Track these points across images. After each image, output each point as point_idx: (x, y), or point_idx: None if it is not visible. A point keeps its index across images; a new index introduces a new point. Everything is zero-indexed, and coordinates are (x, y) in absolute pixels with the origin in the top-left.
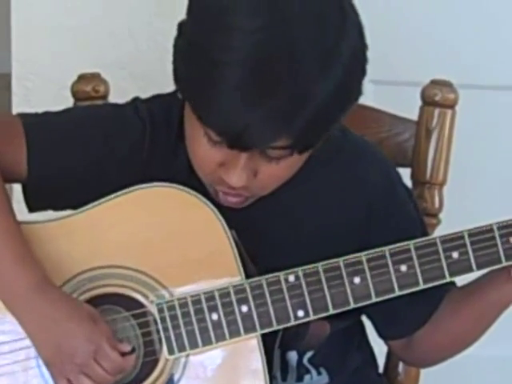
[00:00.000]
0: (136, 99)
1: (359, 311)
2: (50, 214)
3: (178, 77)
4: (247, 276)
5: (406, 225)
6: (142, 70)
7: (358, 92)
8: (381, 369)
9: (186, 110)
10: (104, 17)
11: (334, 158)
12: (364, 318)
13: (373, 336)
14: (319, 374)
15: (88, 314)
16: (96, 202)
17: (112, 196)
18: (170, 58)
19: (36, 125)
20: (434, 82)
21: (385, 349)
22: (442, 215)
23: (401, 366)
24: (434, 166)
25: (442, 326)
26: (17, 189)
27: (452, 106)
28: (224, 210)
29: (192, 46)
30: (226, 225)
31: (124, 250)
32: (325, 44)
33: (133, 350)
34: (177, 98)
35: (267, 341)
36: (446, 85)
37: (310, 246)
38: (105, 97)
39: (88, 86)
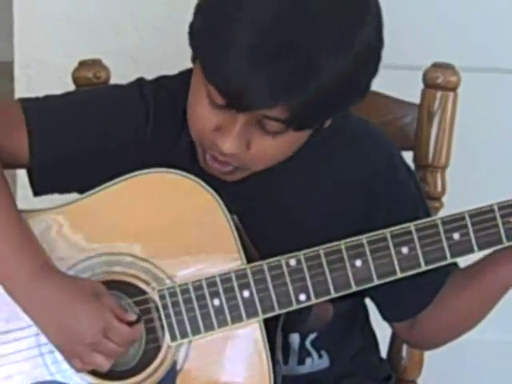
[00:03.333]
0: (140, 80)
1: (362, 293)
2: (55, 197)
3: (193, 32)
4: (249, 261)
5: (408, 205)
6: (144, 56)
7: (366, 88)
8: (384, 353)
9: (194, 74)
10: (105, 4)
11: (334, 140)
12: (367, 302)
13: (376, 320)
14: (320, 357)
15: (91, 290)
16: (96, 189)
17: (111, 182)
18: (172, 43)
19: (36, 109)
20: (435, 65)
21: (388, 333)
22: (444, 198)
23: (404, 350)
24: (436, 149)
25: (446, 307)
26: (21, 175)
27: (454, 89)
28: (226, 196)
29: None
30: (226, 210)
31: (124, 237)
32: (343, 27)
33: (139, 319)
34: (183, 80)
35: (269, 324)
36: (447, 67)
37: (313, 230)
38: (106, 83)
39: (89, 72)
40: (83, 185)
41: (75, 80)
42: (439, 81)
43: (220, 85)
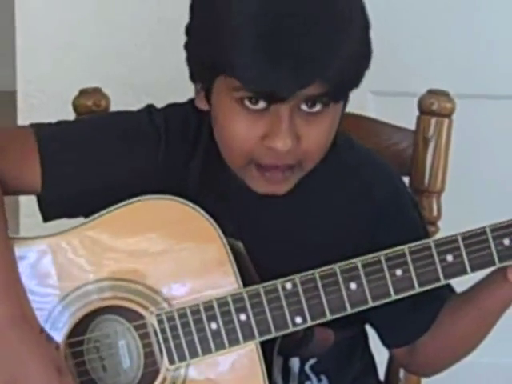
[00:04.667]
0: (150, 106)
1: (363, 320)
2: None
3: (198, 59)
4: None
5: (411, 233)
6: (145, 84)
7: (370, 55)
8: (381, 376)
9: (217, 98)
10: (109, 32)
11: (340, 167)
12: (367, 327)
13: (374, 343)
14: (319, 380)
15: (55, 363)
16: (97, 215)
17: (112, 208)
18: (174, 72)
19: (50, 138)
20: (430, 92)
21: (385, 357)
22: (440, 223)
23: (401, 373)
24: (431, 175)
25: (443, 332)
26: (24, 203)
27: (449, 115)
28: (229, 223)
29: (207, 24)
30: (222, 235)
31: (123, 263)
32: (336, 7)
33: None
34: (192, 107)
35: (266, 347)
36: (442, 94)
37: (318, 255)
38: (106, 111)
39: (89, 101)
40: (94, 211)
41: (75, 108)
42: (434, 107)
43: (256, 85)
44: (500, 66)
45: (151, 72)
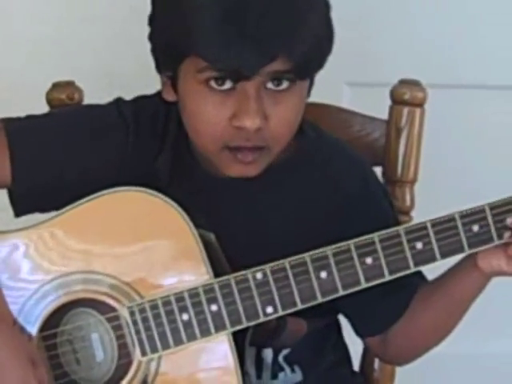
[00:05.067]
0: (119, 99)
1: (335, 310)
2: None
3: (162, 47)
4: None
5: (381, 223)
6: (119, 76)
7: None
8: (356, 367)
9: (182, 83)
10: (79, 24)
11: (310, 158)
12: (340, 317)
13: (349, 334)
14: (293, 371)
15: (28, 355)
16: (66, 208)
17: (83, 200)
18: (147, 63)
19: (19, 132)
20: (402, 82)
21: (361, 347)
22: (413, 213)
23: (376, 362)
24: (404, 165)
25: (415, 320)
26: None
27: (421, 105)
28: (201, 214)
29: (169, 9)
30: (193, 226)
31: (94, 255)
32: None
33: None
34: (161, 99)
35: (238, 338)
36: (414, 84)
37: (288, 246)
38: (79, 104)
39: (62, 94)
40: (66, 204)
41: (49, 102)
42: (406, 97)
43: (220, 62)
44: (471, 55)
45: (124, 64)
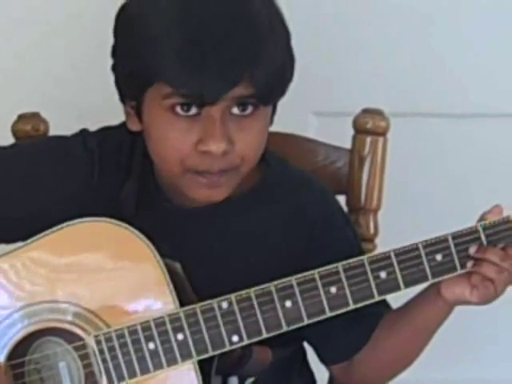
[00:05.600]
0: (83, 131)
1: (300, 338)
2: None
3: (126, 76)
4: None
5: (344, 251)
6: (85, 108)
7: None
8: None
9: (148, 110)
10: (46, 57)
11: (274, 189)
12: (305, 344)
13: (315, 361)
14: None
15: None
16: (31, 239)
17: (49, 231)
18: (113, 94)
19: None
20: (365, 111)
21: (326, 375)
22: (377, 240)
23: None
24: (367, 193)
25: (379, 348)
26: None
27: (383, 134)
28: (166, 244)
29: (131, 39)
30: (159, 256)
31: (62, 285)
32: (256, 13)
33: None
34: (126, 130)
35: (204, 366)
36: (376, 113)
37: (254, 275)
38: (44, 135)
39: (28, 126)
40: (31, 236)
41: (14, 133)
42: (369, 126)
43: (185, 87)
44: (433, 84)
45: (92, 95)
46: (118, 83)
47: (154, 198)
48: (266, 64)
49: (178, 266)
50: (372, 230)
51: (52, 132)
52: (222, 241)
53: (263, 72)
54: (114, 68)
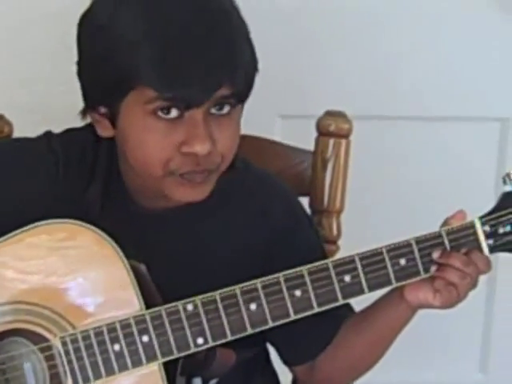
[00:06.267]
0: (48, 133)
1: (263, 339)
2: None
3: (101, 84)
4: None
5: (307, 251)
6: (49, 110)
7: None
8: None
9: (127, 121)
10: (14, 58)
11: (237, 190)
12: (268, 345)
13: (278, 362)
14: None
15: None
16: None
17: (14, 233)
18: (78, 97)
19: None
20: (328, 113)
21: (290, 375)
22: (340, 242)
23: None
24: (330, 195)
25: (342, 350)
26: None
27: (346, 136)
28: (131, 246)
29: (106, 47)
30: (124, 257)
31: (27, 286)
32: (231, 18)
33: None
34: (90, 132)
35: (169, 368)
36: (339, 115)
37: (219, 277)
38: (9, 137)
39: None
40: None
41: None
42: (331, 128)
43: (172, 91)
44: (395, 87)
45: (55, 98)
46: (86, 90)
47: (119, 200)
48: (244, 63)
49: (142, 267)
50: (335, 232)
51: (16, 134)
52: (187, 242)
53: (242, 72)
54: (80, 75)
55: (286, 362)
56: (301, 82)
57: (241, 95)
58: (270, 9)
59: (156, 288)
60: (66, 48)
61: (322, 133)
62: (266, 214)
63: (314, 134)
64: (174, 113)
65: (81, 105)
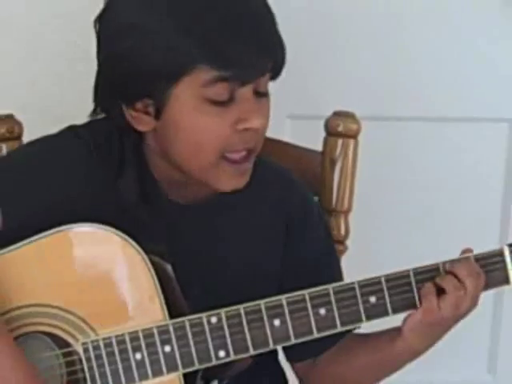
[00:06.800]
0: (71, 126)
1: None
2: None
3: (148, 75)
4: (177, 312)
5: (314, 245)
6: (65, 114)
7: None
8: None
9: (177, 110)
10: (24, 59)
11: (257, 182)
12: None
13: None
14: None
15: (34, 372)
16: (26, 241)
17: (38, 236)
18: (90, 101)
19: None
20: (336, 114)
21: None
22: (348, 241)
23: None
24: (338, 195)
25: (342, 358)
26: None
27: (354, 136)
28: (162, 242)
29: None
30: (151, 266)
31: (53, 289)
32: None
33: None
34: (112, 122)
35: (189, 377)
36: (347, 116)
37: (239, 267)
38: (19, 137)
39: (2, 128)
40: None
41: None
42: (340, 129)
43: (233, 67)
44: (403, 88)
45: (65, 97)
46: (117, 88)
47: (150, 190)
48: (282, 42)
49: (168, 267)
50: (343, 232)
51: (27, 134)
52: (210, 234)
53: (283, 46)
54: (106, 74)
55: (288, 357)
56: (309, 83)
57: (278, 71)
58: (278, 9)
59: (180, 288)
60: (77, 48)
61: (331, 133)
62: (284, 200)
63: (323, 134)
64: (225, 95)
65: (92, 105)
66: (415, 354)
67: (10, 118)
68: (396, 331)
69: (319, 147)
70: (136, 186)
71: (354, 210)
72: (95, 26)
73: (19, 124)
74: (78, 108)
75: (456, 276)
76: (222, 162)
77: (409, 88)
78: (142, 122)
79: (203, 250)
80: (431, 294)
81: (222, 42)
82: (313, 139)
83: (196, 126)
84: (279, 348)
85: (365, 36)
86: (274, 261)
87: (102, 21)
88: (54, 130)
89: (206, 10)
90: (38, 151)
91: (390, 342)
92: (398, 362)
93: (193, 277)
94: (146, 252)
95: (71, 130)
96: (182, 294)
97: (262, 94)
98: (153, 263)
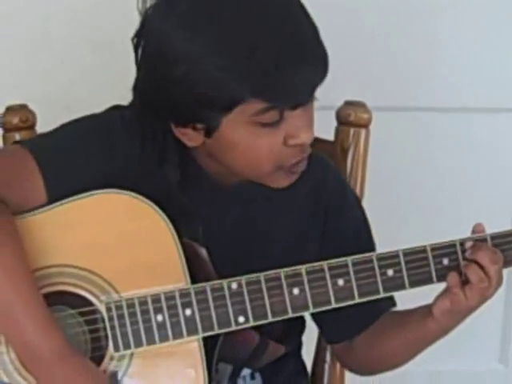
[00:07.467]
0: (117, 106)
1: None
2: None
3: (204, 101)
4: None
5: (352, 231)
6: (77, 104)
7: None
8: None
9: (230, 132)
10: (36, 51)
11: None
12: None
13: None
14: (253, 378)
15: (104, 381)
16: (56, 203)
17: (69, 199)
18: (102, 89)
19: (43, 150)
20: (347, 103)
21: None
22: None
23: (326, 378)
24: (350, 184)
25: (375, 341)
26: None
27: (366, 126)
28: (196, 227)
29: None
30: (175, 235)
31: (79, 251)
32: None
33: None
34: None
35: (207, 353)
36: (359, 105)
37: (279, 252)
38: (33, 127)
39: (16, 118)
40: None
41: (3, 125)
42: (351, 118)
43: (285, 100)
44: (415, 78)
45: (77, 88)
46: (167, 110)
47: (195, 178)
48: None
49: (203, 250)
50: None
51: (40, 124)
52: (247, 224)
53: (327, 65)
54: (158, 97)
55: (326, 339)
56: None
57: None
58: None
59: (215, 271)
60: (88, 40)
61: (342, 122)
62: (320, 190)
63: (334, 123)
64: (276, 118)
65: (103, 96)
66: (448, 330)
67: (23, 107)
68: (426, 311)
69: (331, 137)
70: (179, 170)
71: (365, 200)
72: (133, 41)
73: (33, 113)
74: (90, 98)
75: (479, 264)
76: (278, 170)
77: (421, 78)
78: (191, 138)
79: (242, 236)
80: (456, 286)
81: (273, 78)
82: (324, 129)
83: (249, 146)
84: (315, 332)
85: (376, 26)
86: (312, 248)
87: (148, 41)
88: (66, 119)
89: (259, 41)
90: (86, 127)
91: (422, 322)
92: (431, 339)
93: (230, 261)
94: (182, 235)
95: (117, 109)
96: (217, 276)
97: (306, 111)
98: (187, 246)
